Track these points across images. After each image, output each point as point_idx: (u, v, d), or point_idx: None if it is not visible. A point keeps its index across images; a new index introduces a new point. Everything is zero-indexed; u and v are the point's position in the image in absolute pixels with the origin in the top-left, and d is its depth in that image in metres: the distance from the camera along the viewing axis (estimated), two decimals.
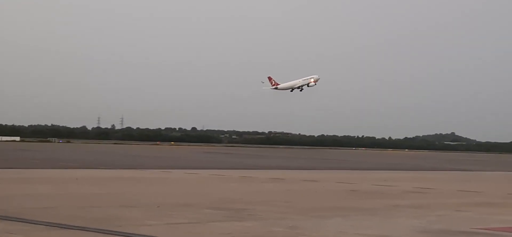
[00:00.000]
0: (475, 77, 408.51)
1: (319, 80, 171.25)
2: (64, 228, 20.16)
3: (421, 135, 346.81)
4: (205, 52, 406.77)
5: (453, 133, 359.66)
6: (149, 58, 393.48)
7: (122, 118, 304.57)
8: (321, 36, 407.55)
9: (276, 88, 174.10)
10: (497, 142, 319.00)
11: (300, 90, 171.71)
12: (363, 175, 59.41)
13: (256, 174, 53.67)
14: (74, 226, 20.36)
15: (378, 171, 68.91)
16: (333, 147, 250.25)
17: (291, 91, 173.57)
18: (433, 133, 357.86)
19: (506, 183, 55.12)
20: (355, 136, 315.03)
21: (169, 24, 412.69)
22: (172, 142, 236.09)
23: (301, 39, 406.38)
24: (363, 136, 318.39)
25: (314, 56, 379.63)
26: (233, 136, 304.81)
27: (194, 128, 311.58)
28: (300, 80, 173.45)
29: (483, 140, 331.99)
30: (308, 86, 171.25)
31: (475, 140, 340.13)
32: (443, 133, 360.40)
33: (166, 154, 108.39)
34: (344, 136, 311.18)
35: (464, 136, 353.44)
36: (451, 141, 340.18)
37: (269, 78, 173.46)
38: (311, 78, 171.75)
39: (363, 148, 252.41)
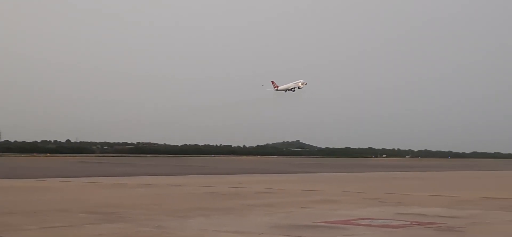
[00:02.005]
0: (314, 92, 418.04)
1: (306, 84, 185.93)
2: None
3: (271, 143, 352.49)
4: (78, 66, 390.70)
5: (298, 141, 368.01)
6: (23, 72, 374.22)
7: None
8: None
9: (276, 90, 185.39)
10: (335, 148, 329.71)
11: (293, 91, 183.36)
12: (221, 179, 59.75)
13: (126, 181, 52.82)
14: None
15: (234, 175, 69.51)
16: (194, 155, 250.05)
17: (285, 92, 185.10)
18: (281, 141, 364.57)
19: (343, 182, 57.00)
20: (214, 145, 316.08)
21: (41, 37, 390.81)
22: (48, 154, 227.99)
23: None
24: (220, 144, 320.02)
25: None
26: (104, 147, 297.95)
27: (68, 140, 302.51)
28: (292, 83, 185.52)
29: (324, 146, 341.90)
30: (299, 88, 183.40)
31: (316, 146, 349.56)
32: (290, 141, 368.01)
33: (43, 165, 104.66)
34: (205, 145, 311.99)
35: (308, 143, 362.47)
36: (296, 148, 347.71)
37: (272, 82, 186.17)
38: (299, 82, 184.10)
39: (221, 155, 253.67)
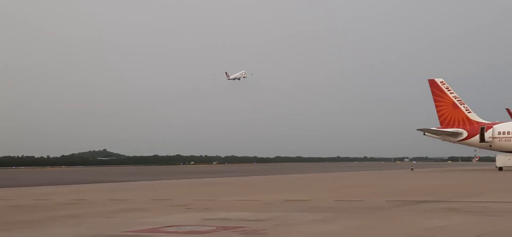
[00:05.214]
0: (119, 98, 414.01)
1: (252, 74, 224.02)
2: None
3: (76, 153, 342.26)
4: None
5: (105, 150, 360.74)
6: None
7: None
8: None
9: (229, 79, 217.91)
10: (143, 156, 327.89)
11: (239, 80, 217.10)
12: (22, 191, 57.11)
13: None
14: None
15: (37, 186, 66.67)
16: None
17: (233, 80, 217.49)
18: (87, 150, 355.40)
19: (150, 190, 56.79)
20: (15, 156, 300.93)
21: None
22: None
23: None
24: (22, 155, 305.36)
25: None
26: None
27: None
28: (238, 73, 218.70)
29: (131, 155, 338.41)
30: (243, 77, 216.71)
31: (124, 155, 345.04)
32: (96, 150, 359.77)
33: None
34: (4, 156, 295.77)
35: (115, 152, 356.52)
36: (103, 157, 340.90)
37: (226, 73, 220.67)
38: (242, 72, 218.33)
39: (23, 167, 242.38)
